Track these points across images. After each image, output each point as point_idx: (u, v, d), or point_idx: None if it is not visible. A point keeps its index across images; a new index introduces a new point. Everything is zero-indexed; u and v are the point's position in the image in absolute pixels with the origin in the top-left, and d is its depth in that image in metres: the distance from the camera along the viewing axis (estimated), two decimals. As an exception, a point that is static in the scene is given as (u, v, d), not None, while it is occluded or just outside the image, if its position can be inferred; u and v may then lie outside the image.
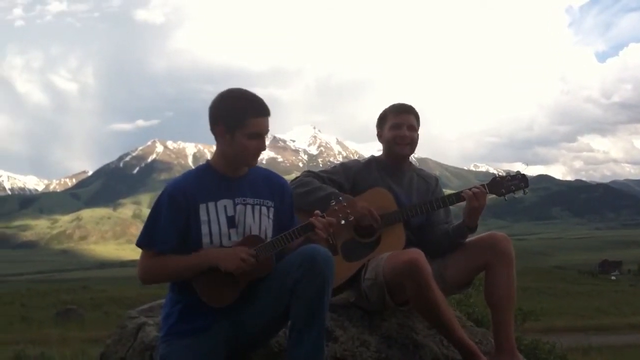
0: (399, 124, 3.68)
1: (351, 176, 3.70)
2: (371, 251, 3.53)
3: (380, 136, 3.79)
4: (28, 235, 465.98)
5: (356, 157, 4.51)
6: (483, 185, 3.49)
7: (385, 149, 3.78)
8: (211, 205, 2.88)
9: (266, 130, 2.89)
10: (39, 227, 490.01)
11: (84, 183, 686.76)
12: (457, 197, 3.54)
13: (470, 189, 3.47)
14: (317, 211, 2.89)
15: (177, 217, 2.83)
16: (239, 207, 2.91)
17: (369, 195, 3.59)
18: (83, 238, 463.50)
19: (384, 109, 3.81)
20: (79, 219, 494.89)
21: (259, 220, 2.95)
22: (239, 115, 2.83)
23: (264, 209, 2.97)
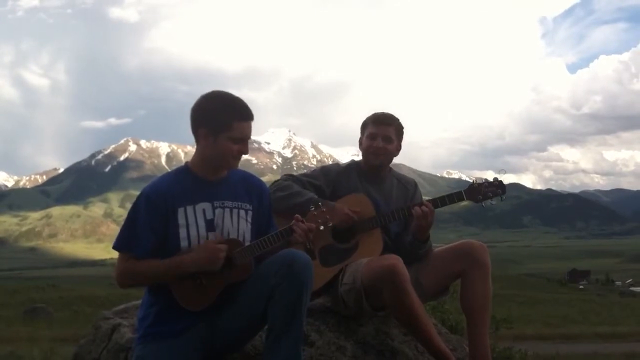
0: (375, 134, 3.70)
1: (331, 180, 3.70)
2: (349, 256, 3.53)
3: (360, 143, 3.80)
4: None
5: (330, 161, 4.51)
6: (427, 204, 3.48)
7: (362, 157, 3.80)
8: (189, 208, 2.85)
9: (250, 135, 2.89)
10: (7, 223, 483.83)
11: (54, 180, 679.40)
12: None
13: (420, 207, 3.46)
14: (297, 215, 2.89)
15: (154, 221, 2.80)
16: (217, 211, 2.89)
17: (348, 200, 3.59)
18: (52, 236, 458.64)
19: (367, 116, 3.81)
20: (48, 216, 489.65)
21: (237, 223, 2.93)
22: (224, 118, 2.80)
23: (242, 212, 2.96)
